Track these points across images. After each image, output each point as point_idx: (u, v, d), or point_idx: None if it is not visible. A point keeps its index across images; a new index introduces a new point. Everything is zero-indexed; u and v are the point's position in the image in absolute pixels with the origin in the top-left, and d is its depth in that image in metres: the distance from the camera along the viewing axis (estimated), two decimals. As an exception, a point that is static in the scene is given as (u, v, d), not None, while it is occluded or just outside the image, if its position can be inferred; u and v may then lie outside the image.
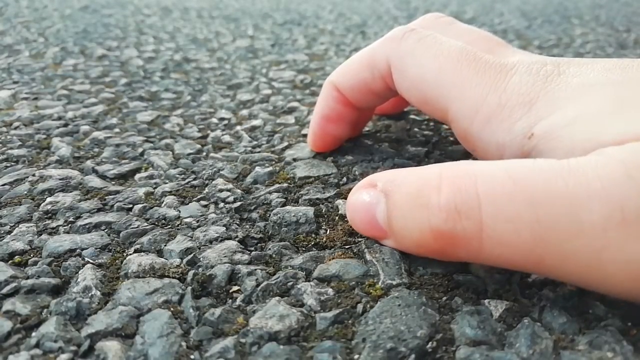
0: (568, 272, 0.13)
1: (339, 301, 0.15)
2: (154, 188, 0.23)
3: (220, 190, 0.23)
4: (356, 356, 0.13)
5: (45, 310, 0.15)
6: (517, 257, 0.14)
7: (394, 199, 0.16)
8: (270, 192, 0.23)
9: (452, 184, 0.14)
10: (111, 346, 0.14)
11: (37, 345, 0.14)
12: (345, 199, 0.22)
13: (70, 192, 0.23)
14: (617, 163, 0.13)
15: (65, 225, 0.20)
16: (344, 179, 0.24)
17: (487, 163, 0.15)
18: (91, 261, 0.18)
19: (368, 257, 0.17)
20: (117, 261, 0.18)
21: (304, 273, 0.17)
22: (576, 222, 0.12)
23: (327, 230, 0.20)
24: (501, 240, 0.14)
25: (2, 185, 0.24)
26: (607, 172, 0.13)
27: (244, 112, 0.35)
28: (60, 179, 0.24)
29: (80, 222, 0.20)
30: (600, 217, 0.12)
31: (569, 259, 0.13)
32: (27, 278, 0.17)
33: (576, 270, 0.13)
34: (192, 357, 0.13)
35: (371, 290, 0.16)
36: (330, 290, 0.16)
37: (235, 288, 0.16)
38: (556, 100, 0.16)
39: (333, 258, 0.18)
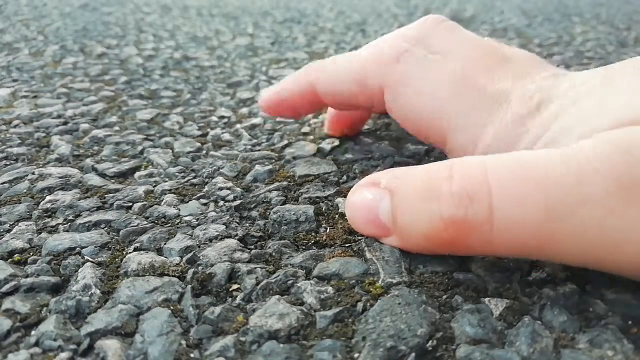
0: (577, 247, 0.14)
1: (339, 299, 0.15)
2: (154, 186, 0.23)
3: (220, 189, 0.23)
4: (356, 355, 0.13)
5: (44, 308, 0.15)
6: (528, 237, 0.14)
7: (400, 195, 0.16)
8: (270, 191, 0.23)
9: (463, 173, 0.15)
10: (111, 345, 0.14)
11: (36, 344, 0.14)
12: (346, 197, 0.22)
13: (70, 190, 0.23)
14: (610, 143, 0.14)
15: (64, 224, 0.20)
16: (344, 177, 0.24)
17: (495, 155, 0.15)
18: (91, 259, 0.18)
19: (368, 255, 0.17)
20: (116, 259, 0.18)
21: (304, 271, 0.17)
22: (580, 195, 0.13)
23: (327, 229, 0.20)
24: (511, 221, 0.14)
25: (2, 183, 0.23)
26: (602, 151, 0.14)
27: (244, 110, 0.35)
28: (59, 177, 0.24)
29: (79, 221, 0.20)
30: (600, 189, 0.13)
31: (577, 231, 0.14)
32: (27, 276, 0.17)
33: (584, 242, 0.14)
34: (191, 355, 0.13)
35: (371, 289, 0.16)
36: (330, 289, 0.16)
37: (235, 286, 0.16)
38: (550, 122, 0.17)
39: (333, 256, 0.17)
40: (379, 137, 0.29)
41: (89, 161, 0.26)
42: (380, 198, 0.17)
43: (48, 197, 0.22)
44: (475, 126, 0.19)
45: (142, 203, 0.22)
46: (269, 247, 0.18)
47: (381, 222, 0.17)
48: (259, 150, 0.28)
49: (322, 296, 0.15)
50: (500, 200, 0.14)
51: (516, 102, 0.18)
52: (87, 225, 0.20)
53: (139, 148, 0.28)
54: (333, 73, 0.23)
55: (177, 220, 0.20)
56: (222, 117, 0.33)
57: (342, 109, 0.25)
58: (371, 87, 0.22)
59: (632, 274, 0.14)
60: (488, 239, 0.14)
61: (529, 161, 0.14)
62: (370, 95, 0.22)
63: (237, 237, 0.19)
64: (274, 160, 0.26)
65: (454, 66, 0.20)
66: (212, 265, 0.17)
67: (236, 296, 0.16)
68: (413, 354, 0.13)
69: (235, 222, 0.20)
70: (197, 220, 0.20)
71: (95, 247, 0.18)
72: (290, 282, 0.16)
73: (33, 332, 0.14)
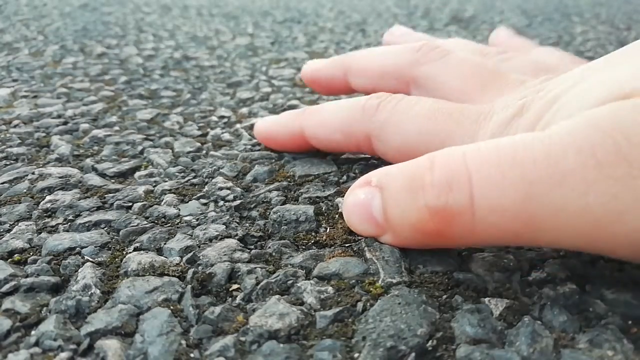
0: (562, 228, 0.14)
1: (339, 299, 0.15)
2: (154, 186, 0.23)
3: (220, 189, 0.23)
4: (356, 354, 0.13)
5: (44, 308, 0.15)
6: (510, 221, 0.14)
7: (389, 190, 0.16)
8: (270, 191, 0.23)
9: (443, 162, 0.15)
10: (111, 345, 0.14)
11: (36, 344, 0.14)
12: (345, 197, 0.22)
13: (70, 190, 0.23)
14: (585, 120, 0.14)
15: (64, 224, 0.20)
16: (344, 177, 0.24)
17: (476, 143, 0.16)
18: (91, 259, 0.18)
19: (368, 255, 0.17)
20: (116, 259, 0.18)
21: (304, 271, 0.17)
22: (558, 173, 0.13)
23: (327, 229, 0.20)
24: (492, 206, 0.14)
25: (2, 183, 0.23)
26: (576, 127, 0.14)
27: (244, 110, 0.35)
28: (59, 177, 0.24)
29: (79, 221, 0.20)
30: (578, 164, 0.13)
31: (559, 210, 0.13)
32: (27, 276, 0.17)
33: (569, 223, 0.13)
34: (191, 355, 0.13)
35: (371, 289, 0.16)
36: (330, 289, 0.16)
37: (235, 286, 0.16)
38: (531, 123, 0.17)
39: (333, 256, 0.17)
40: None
41: (89, 161, 0.26)
42: (372, 196, 0.17)
43: (48, 197, 0.22)
44: (464, 142, 0.19)
45: (142, 203, 0.22)
46: (269, 247, 0.18)
47: (375, 219, 0.17)
48: (259, 150, 0.28)
49: (322, 296, 0.15)
50: (480, 186, 0.14)
51: (502, 108, 0.19)
52: (87, 225, 0.20)
53: (139, 148, 0.28)
54: (321, 125, 0.24)
55: (177, 220, 0.20)
56: (222, 117, 0.33)
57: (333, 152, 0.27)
58: (357, 138, 0.23)
59: (623, 253, 0.14)
60: (471, 227, 0.14)
61: (506, 145, 0.14)
62: (357, 144, 0.23)
63: (237, 237, 0.19)
64: (273, 160, 0.26)
65: (427, 101, 0.22)
66: (212, 265, 0.17)
67: (236, 296, 0.16)
68: (413, 354, 0.13)
69: (235, 222, 0.20)
70: (197, 220, 0.20)
71: (95, 247, 0.18)
72: (290, 282, 0.16)
73: (33, 332, 0.14)
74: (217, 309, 0.15)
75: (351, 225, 0.18)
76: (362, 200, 0.17)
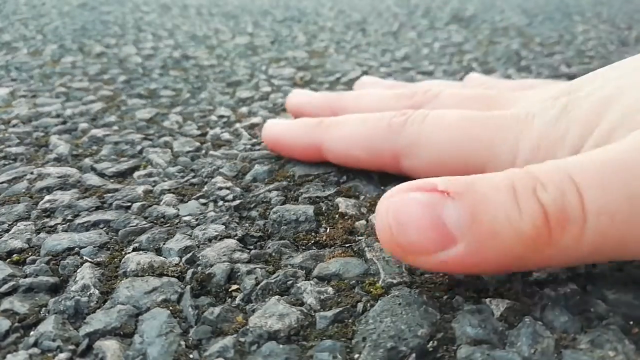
0: None
1: (339, 300, 0.15)
2: (153, 186, 0.23)
3: (220, 188, 0.23)
4: (356, 355, 0.13)
5: (43, 309, 0.15)
6: (616, 227, 0.14)
7: (475, 197, 0.14)
8: (269, 190, 0.23)
9: (544, 169, 0.15)
10: (110, 345, 0.14)
11: (35, 344, 0.14)
12: (346, 196, 0.22)
13: (69, 190, 0.23)
14: None
15: (63, 224, 0.20)
16: (344, 177, 0.24)
17: (566, 158, 0.15)
18: (89, 260, 0.18)
19: (368, 255, 0.17)
20: (115, 260, 0.18)
21: (304, 272, 0.17)
22: None
23: (327, 229, 0.20)
24: (601, 214, 0.14)
25: (0, 183, 0.23)
26: None
27: (244, 109, 0.35)
28: (58, 177, 0.24)
29: (78, 220, 0.20)
30: None
31: None
32: (25, 277, 0.17)
33: None
34: (191, 356, 0.13)
35: (371, 289, 0.16)
36: (330, 289, 0.16)
37: (234, 287, 0.16)
38: (588, 122, 0.17)
39: (333, 256, 0.17)
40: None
41: (87, 161, 0.26)
42: (442, 202, 0.14)
43: (47, 197, 0.22)
44: (508, 149, 0.19)
45: (141, 203, 0.22)
46: (269, 247, 0.18)
47: (446, 228, 0.14)
48: (258, 149, 0.27)
49: (322, 296, 0.15)
50: (589, 194, 0.14)
51: (540, 109, 0.19)
52: (85, 225, 0.20)
53: (138, 148, 0.28)
54: (341, 137, 0.23)
55: (177, 220, 0.20)
56: (222, 116, 0.33)
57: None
58: (383, 157, 0.22)
59: None
60: (579, 234, 0.14)
61: (607, 156, 0.14)
62: (383, 163, 0.23)
63: (236, 237, 0.19)
64: (273, 160, 0.26)
65: (457, 112, 0.21)
66: (211, 266, 0.17)
67: (236, 297, 0.16)
68: (414, 355, 0.13)
69: (235, 222, 0.20)
70: (197, 220, 0.20)
71: (94, 247, 0.18)
72: (290, 282, 0.16)
73: (32, 333, 0.14)
74: (217, 310, 0.15)
75: (400, 233, 0.14)
76: (424, 206, 0.14)
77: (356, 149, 0.23)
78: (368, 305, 0.15)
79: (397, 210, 0.15)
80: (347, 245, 0.18)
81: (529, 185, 0.14)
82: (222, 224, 0.20)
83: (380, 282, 0.16)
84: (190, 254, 0.18)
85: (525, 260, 0.14)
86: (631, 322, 0.14)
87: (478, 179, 0.15)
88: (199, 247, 0.18)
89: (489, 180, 0.15)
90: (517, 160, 0.19)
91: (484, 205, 0.14)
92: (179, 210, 0.21)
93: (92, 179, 0.24)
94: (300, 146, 0.25)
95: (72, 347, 0.14)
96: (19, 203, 0.22)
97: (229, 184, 0.23)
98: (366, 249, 0.17)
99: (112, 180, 0.24)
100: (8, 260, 0.18)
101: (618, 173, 0.14)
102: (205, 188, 0.23)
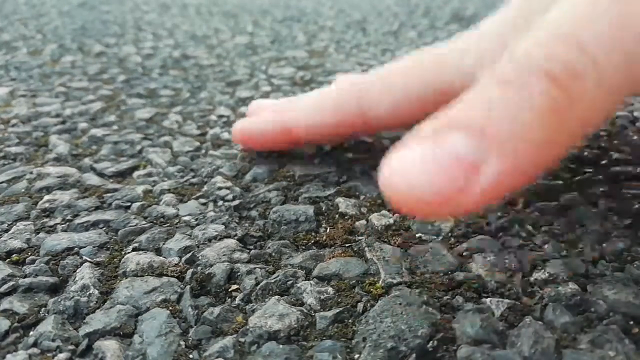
0: None
1: (339, 300, 0.15)
2: (153, 186, 0.23)
3: (219, 188, 0.23)
4: (356, 355, 0.13)
5: (43, 309, 0.15)
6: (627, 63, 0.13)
7: (487, 107, 0.13)
8: (269, 190, 0.22)
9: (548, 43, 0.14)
10: (109, 345, 0.14)
11: (35, 345, 0.14)
12: (346, 196, 0.22)
13: (68, 190, 0.23)
14: None
15: (63, 224, 0.20)
16: (344, 177, 0.24)
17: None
18: (89, 260, 0.17)
19: (368, 255, 0.17)
20: (115, 260, 0.18)
21: (304, 272, 0.17)
22: None
23: (327, 229, 0.20)
24: (606, 47, 0.13)
25: (0, 183, 0.23)
26: None
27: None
28: (58, 177, 0.24)
29: (78, 220, 0.20)
30: None
31: None
32: (25, 277, 0.17)
33: None
34: (190, 356, 0.13)
35: (371, 289, 0.16)
36: (330, 289, 0.16)
37: (234, 287, 0.16)
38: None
39: (333, 256, 0.17)
40: (379, 136, 0.29)
41: (87, 160, 0.26)
42: (446, 137, 0.13)
43: (46, 197, 0.22)
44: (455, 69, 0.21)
45: (141, 203, 0.22)
46: (269, 247, 0.18)
47: (465, 158, 0.12)
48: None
49: (322, 297, 0.15)
50: (591, 38, 0.13)
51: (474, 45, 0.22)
52: (85, 225, 0.20)
53: (138, 147, 0.28)
54: (308, 106, 0.24)
55: (176, 220, 0.20)
56: (222, 116, 0.33)
57: (322, 142, 0.26)
58: (349, 111, 0.23)
59: None
60: (598, 76, 0.13)
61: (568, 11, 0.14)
62: (350, 122, 0.24)
63: (236, 237, 0.19)
64: (273, 160, 0.26)
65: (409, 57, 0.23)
66: (211, 266, 0.17)
67: (235, 297, 0.16)
68: (414, 355, 0.13)
69: (235, 222, 0.20)
70: (196, 220, 0.20)
71: (94, 247, 0.18)
72: (290, 282, 0.16)
73: (31, 333, 0.14)
74: (217, 310, 0.15)
75: (419, 185, 0.12)
76: (433, 149, 0.13)
77: (324, 113, 0.24)
78: (368, 305, 0.15)
79: (405, 165, 0.13)
80: (347, 245, 0.18)
81: (517, 68, 0.13)
82: (222, 224, 0.20)
83: (380, 282, 0.16)
84: (190, 254, 0.18)
85: (558, 135, 0.13)
86: (631, 322, 0.14)
87: (458, 101, 0.13)
88: (198, 247, 0.18)
89: (477, 94, 0.13)
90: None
91: (494, 108, 0.13)
92: (178, 210, 0.21)
93: (92, 179, 0.24)
94: (271, 132, 0.25)
95: (71, 347, 0.14)
96: (18, 203, 0.22)
97: (229, 183, 0.23)
98: (366, 249, 0.17)
99: (111, 180, 0.24)
100: (7, 260, 0.18)
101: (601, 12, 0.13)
102: (205, 188, 0.23)
